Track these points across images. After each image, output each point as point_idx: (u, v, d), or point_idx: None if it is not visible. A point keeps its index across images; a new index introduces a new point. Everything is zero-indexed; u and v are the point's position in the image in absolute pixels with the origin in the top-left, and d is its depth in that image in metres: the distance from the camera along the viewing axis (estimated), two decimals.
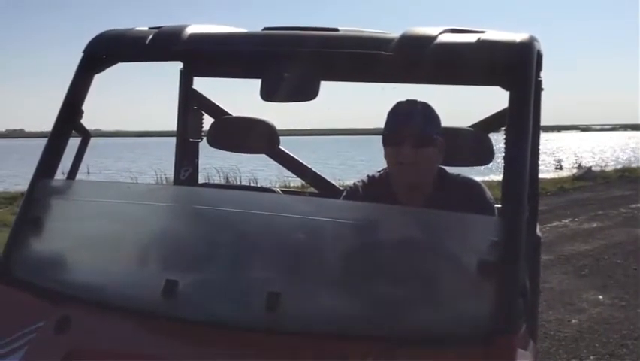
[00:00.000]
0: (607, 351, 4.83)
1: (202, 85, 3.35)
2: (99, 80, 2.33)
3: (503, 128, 2.17)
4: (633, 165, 22.00)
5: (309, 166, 3.59)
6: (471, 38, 2.00)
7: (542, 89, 2.35)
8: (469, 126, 2.96)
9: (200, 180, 3.65)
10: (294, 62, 2.07)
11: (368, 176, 2.49)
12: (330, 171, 11.22)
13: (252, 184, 10.36)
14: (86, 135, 2.33)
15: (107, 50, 2.30)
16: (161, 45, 2.18)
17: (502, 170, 1.94)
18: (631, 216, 10.87)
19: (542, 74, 2.31)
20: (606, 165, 21.95)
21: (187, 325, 1.82)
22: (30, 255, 2.15)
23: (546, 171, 19.65)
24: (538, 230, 2.59)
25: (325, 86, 2.18)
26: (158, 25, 2.28)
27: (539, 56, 2.14)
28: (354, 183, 2.50)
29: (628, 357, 4.74)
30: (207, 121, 3.30)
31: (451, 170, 2.47)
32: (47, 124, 2.38)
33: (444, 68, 2.42)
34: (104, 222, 2.20)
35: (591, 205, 11.98)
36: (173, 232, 2.15)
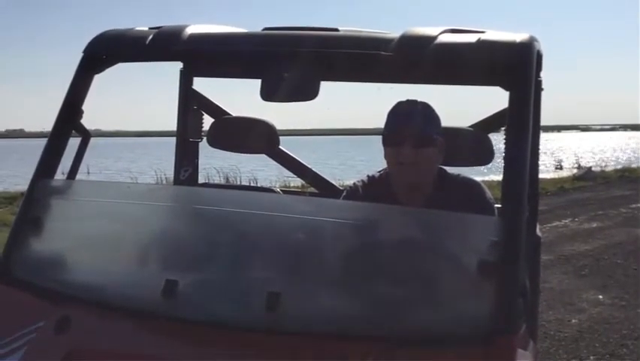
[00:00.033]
0: (607, 351, 4.83)
1: (202, 85, 3.35)
2: (99, 80, 2.33)
3: (503, 129, 2.17)
4: (633, 165, 22.00)
5: (309, 166, 3.59)
6: (471, 38, 2.00)
7: (542, 89, 2.36)
8: (469, 126, 2.97)
9: (200, 180, 3.65)
10: (294, 62, 2.07)
11: (368, 176, 2.49)
12: (330, 171, 11.22)
13: (252, 184, 10.36)
14: (85, 135, 2.33)
15: (107, 50, 2.30)
16: (161, 45, 2.18)
17: (502, 170, 1.95)
18: (631, 216, 10.87)
19: (542, 74, 2.31)
20: (606, 165, 21.96)
21: (187, 325, 1.82)
22: (30, 255, 2.15)
23: (546, 171, 19.66)
24: (538, 230, 2.59)
25: (325, 86, 2.18)
26: (158, 25, 2.28)
27: (539, 56, 2.14)
28: (354, 183, 2.50)
29: (628, 357, 4.74)
30: (207, 121, 3.30)
31: (451, 170, 2.47)
32: (47, 124, 2.38)
33: (444, 68, 2.42)
34: (104, 223, 2.20)
35: (591, 205, 11.98)
36: (173, 232, 2.15)
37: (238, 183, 12.48)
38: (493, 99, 2.86)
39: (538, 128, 2.30)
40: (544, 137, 4.96)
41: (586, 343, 4.99)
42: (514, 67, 2.00)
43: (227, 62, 2.77)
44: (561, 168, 22.09)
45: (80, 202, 2.25)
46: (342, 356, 1.69)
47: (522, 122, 1.93)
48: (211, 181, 10.31)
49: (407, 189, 2.35)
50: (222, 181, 12.51)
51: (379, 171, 2.48)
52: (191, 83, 3.31)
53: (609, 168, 20.70)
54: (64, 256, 2.14)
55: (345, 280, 1.90)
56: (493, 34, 2.01)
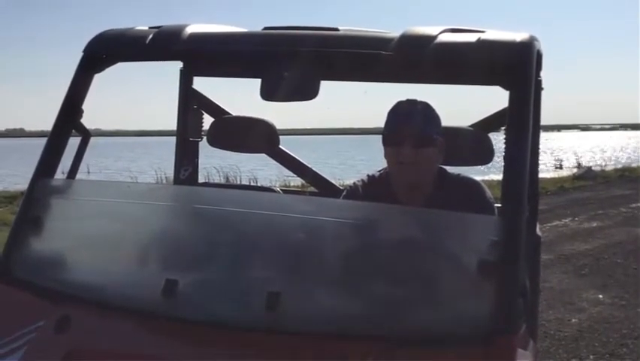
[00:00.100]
0: (607, 350, 4.83)
1: (202, 84, 3.35)
2: (99, 80, 2.33)
3: (503, 128, 2.17)
4: (633, 165, 22.00)
5: (309, 166, 3.59)
6: (471, 38, 2.00)
7: (542, 89, 2.36)
8: (469, 126, 2.97)
9: (200, 179, 3.65)
10: (294, 61, 2.07)
11: (368, 175, 2.49)
12: (330, 171, 11.21)
13: (251, 184, 10.36)
14: (85, 135, 2.33)
15: (107, 50, 2.30)
16: (161, 45, 2.18)
17: (502, 169, 1.94)
18: (631, 215, 10.87)
19: (542, 74, 2.31)
20: (606, 165, 21.96)
21: (187, 325, 1.82)
22: (30, 254, 2.15)
23: (546, 170, 19.66)
24: (538, 229, 2.59)
25: (325, 86, 2.18)
26: (158, 25, 2.28)
27: (539, 56, 2.14)
28: (354, 183, 2.50)
29: (628, 356, 4.74)
30: (207, 120, 3.30)
31: (451, 169, 2.47)
32: (47, 123, 2.38)
33: (444, 68, 2.42)
34: (104, 222, 2.20)
35: (591, 205, 11.98)
36: (173, 231, 2.15)
37: (238, 182, 12.48)
38: (493, 99, 2.86)
39: (538, 128, 2.30)
40: (544, 136, 4.96)
41: (586, 342, 4.99)
42: (514, 66, 2.00)
43: (227, 62, 2.77)
44: (561, 167, 22.10)
45: (79, 202, 2.25)
46: (342, 356, 1.69)
47: (522, 121, 1.93)
48: (211, 180, 10.32)
49: (407, 188, 2.35)
50: (222, 181, 12.51)
51: (379, 171, 2.48)
52: (191, 82, 3.31)
53: (609, 168, 20.70)
54: (64, 256, 2.14)
55: (345, 279, 1.90)
56: (493, 34, 2.01)
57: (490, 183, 4.85)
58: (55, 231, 2.20)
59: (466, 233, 1.91)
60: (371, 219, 2.00)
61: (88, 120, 2.30)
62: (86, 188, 2.42)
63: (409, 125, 2.28)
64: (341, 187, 3.30)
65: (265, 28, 2.29)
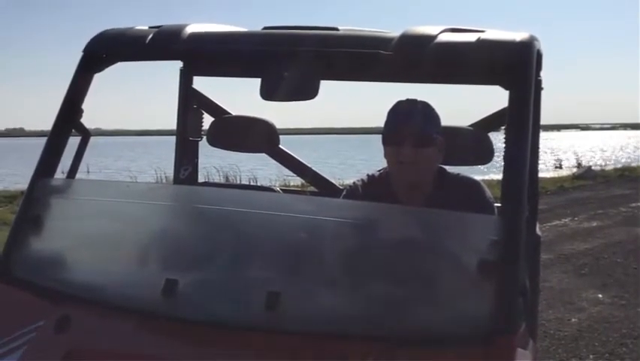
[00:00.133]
0: (606, 350, 4.83)
1: (202, 84, 3.35)
2: (99, 79, 2.33)
3: (503, 128, 2.17)
4: (633, 164, 22.00)
5: (309, 165, 3.59)
6: (471, 38, 2.00)
7: (542, 89, 2.35)
8: (469, 125, 2.97)
9: (200, 179, 3.65)
10: (294, 61, 2.07)
11: (368, 175, 2.49)
12: (330, 170, 11.22)
13: (251, 183, 10.36)
14: (85, 134, 2.33)
15: (107, 49, 2.30)
16: (161, 44, 2.18)
17: (501, 169, 1.94)
18: (631, 215, 10.87)
19: (542, 74, 2.30)
20: (606, 164, 21.95)
21: (187, 325, 1.82)
22: (30, 254, 2.15)
23: (546, 170, 19.66)
24: (538, 229, 2.59)
25: (325, 86, 2.18)
26: (157, 25, 2.28)
27: (539, 56, 2.14)
28: (354, 183, 2.50)
29: (627, 356, 4.74)
30: (207, 120, 3.30)
31: (450, 169, 2.47)
32: (47, 123, 2.38)
33: (444, 68, 2.42)
34: (104, 222, 2.20)
35: (591, 204, 11.98)
36: (173, 231, 2.15)
37: (238, 182, 12.48)
38: (493, 98, 2.86)
39: (538, 128, 2.30)
40: (544, 136, 4.96)
41: (585, 342, 4.99)
42: (514, 66, 1.99)
43: (227, 61, 2.77)
44: (561, 166, 22.09)
45: (79, 201, 2.25)
46: (342, 356, 1.69)
47: (522, 121, 1.93)
48: (211, 180, 10.32)
49: (407, 188, 2.35)
50: (222, 180, 12.51)
51: (379, 170, 2.48)
52: (191, 82, 3.31)
53: (609, 167, 20.70)
54: (64, 256, 2.14)
55: (345, 279, 1.90)
56: (493, 34, 2.01)
57: (490, 183, 4.84)
58: (55, 230, 2.20)
59: (466, 233, 1.91)
60: (371, 218, 2.00)
61: (88, 120, 2.31)
62: (86, 188, 2.42)
63: (408, 125, 2.28)
64: (341, 187, 3.30)
65: (265, 28, 2.29)
